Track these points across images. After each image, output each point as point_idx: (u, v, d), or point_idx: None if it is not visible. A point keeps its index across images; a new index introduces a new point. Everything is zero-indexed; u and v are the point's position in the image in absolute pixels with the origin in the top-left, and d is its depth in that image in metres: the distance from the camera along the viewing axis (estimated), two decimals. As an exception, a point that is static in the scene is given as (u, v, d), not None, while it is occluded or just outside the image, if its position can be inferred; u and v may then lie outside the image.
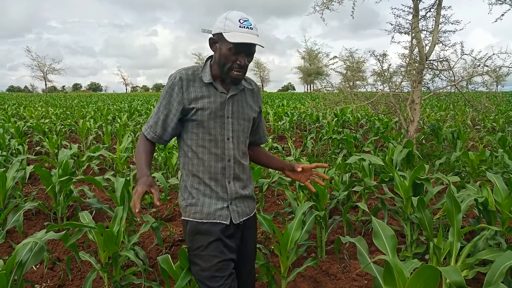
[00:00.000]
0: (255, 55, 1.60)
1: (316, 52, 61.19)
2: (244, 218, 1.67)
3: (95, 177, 3.23)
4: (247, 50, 1.50)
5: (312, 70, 62.85)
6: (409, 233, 2.91)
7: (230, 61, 1.50)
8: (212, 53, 1.60)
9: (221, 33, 1.46)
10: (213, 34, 1.54)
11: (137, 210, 1.44)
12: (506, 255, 1.68)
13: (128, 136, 6.97)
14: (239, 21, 1.45)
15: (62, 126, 9.85)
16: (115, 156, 5.23)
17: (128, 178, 2.88)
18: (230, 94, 1.59)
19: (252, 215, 1.74)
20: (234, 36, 1.43)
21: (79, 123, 9.08)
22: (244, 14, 1.49)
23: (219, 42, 1.51)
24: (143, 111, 15.71)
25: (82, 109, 17.15)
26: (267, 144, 5.80)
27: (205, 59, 1.68)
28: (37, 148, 7.26)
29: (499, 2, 5.50)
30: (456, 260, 2.21)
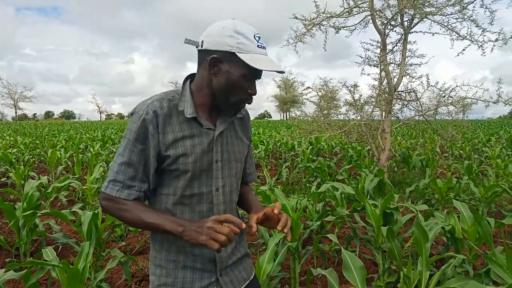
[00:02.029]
0: None
1: (291, 81, 62.72)
2: (244, 286, 1.31)
3: (62, 210, 3.12)
4: (260, 76, 1.18)
5: (288, 99, 64.01)
6: (381, 262, 2.93)
7: (242, 90, 1.14)
8: (188, 72, 1.23)
9: (233, 52, 1.09)
10: (212, 51, 1.12)
11: (243, 226, 1.11)
12: (471, 284, 1.72)
13: (100, 166, 6.82)
14: (255, 37, 1.12)
15: (31, 156, 9.54)
16: (85, 187, 5.08)
17: (96, 211, 2.80)
18: (218, 130, 1.21)
19: (252, 277, 1.36)
20: (257, 61, 1.09)
21: (49, 152, 8.83)
22: (252, 27, 1.15)
23: (227, 64, 1.12)
24: (116, 139, 15.46)
25: (53, 137, 16.70)
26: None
27: (183, 81, 1.26)
28: (3, 179, 6.98)
29: (460, 38, 5.85)
30: (426, 289, 2.23)
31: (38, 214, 3.19)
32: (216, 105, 1.21)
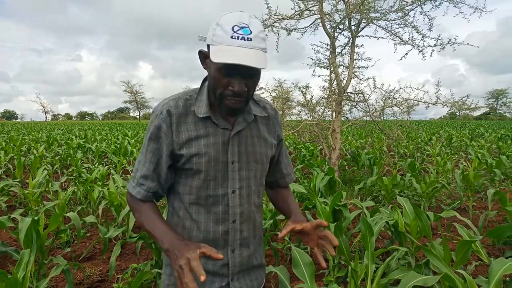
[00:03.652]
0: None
1: (246, 81, 62.85)
2: None
3: (1, 217, 2.92)
4: (243, 71, 1.04)
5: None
6: (331, 257, 3.03)
7: (221, 86, 1.07)
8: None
9: (209, 45, 1.05)
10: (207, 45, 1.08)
11: (202, 279, 0.91)
12: (410, 274, 1.83)
13: (45, 169, 6.44)
14: (233, 28, 1.01)
15: (-35, 159, 8.81)
16: (27, 191, 4.78)
17: (37, 217, 2.64)
18: (235, 130, 1.17)
19: None
20: (219, 53, 1.01)
21: (-14, 155, 8.20)
22: (245, 17, 1.04)
23: (209, 58, 1.05)
24: (63, 141, 14.68)
25: (-8, 139, 15.53)
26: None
27: (202, 80, 1.22)
28: None
29: (402, 43, 6.19)
30: (372, 281, 2.34)
31: (-28, 221, 2.95)
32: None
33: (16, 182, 5.30)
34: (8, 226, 2.95)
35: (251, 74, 1.06)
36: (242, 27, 1.01)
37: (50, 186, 5.40)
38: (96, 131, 24.73)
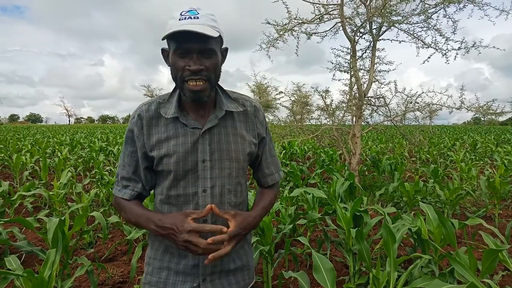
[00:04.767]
0: None
1: (265, 85, 63.00)
2: None
3: (27, 218, 3.00)
4: (197, 46, 1.07)
5: (261, 103, 64.18)
6: (351, 264, 2.99)
7: (180, 68, 1.09)
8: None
9: (165, 38, 1.11)
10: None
11: (219, 228, 1.04)
12: (435, 283, 1.78)
13: (68, 171, 6.61)
14: (181, 13, 1.07)
15: (-6, 161, 9.13)
16: (51, 193, 4.91)
17: (63, 217, 2.71)
18: (205, 127, 1.17)
19: None
20: (169, 31, 1.06)
21: (14, 157, 8.47)
22: (194, 6, 1.11)
23: (169, 50, 1.14)
24: (86, 144, 15.03)
25: (18, 142, 16.04)
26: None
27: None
28: (-37, 185, 6.62)
29: (425, 46, 6.08)
30: (394, 290, 2.30)
31: (1, 222, 3.05)
32: (199, 103, 1.18)
33: (41, 184, 5.45)
34: (35, 227, 3.03)
35: (205, 51, 1.08)
36: (189, 11, 1.07)
37: (73, 188, 5.53)
38: (117, 134, 25.21)
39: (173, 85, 1.22)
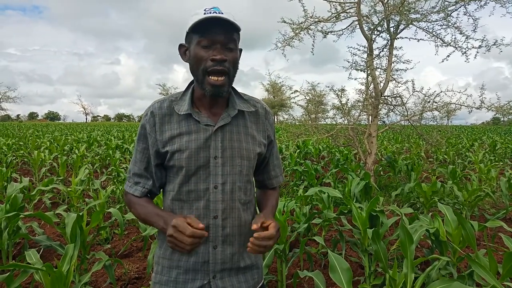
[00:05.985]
0: None
1: (279, 85, 62.84)
2: None
3: (46, 213, 3.06)
4: (222, 37, 1.12)
5: (275, 102, 64.12)
6: (367, 264, 2.95)
7: (203, 60, 1.12)
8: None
9: (188, 33, 1.16)
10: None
11: (201, 226, 1.03)
12: (455, 285, 1.74)
13: (86, 168, 6.72)
14: (205, 9, 1.12)
15: (14, 158, 9.35)
16: (69, 189, 5.00)
17: (81, 213, 2.76)
18: (218, 124, 1.18)
19: None
20: (195, 21, 1.11)
21: (33, 154, 8.66)
22: (216, 5, 1.16)
23: (189, 45, 1.18)
24: (103, 141, 15.26)
25: (37, 139, 16.40)
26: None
27: (188, 83, 1.28)
28: (-16, 181, 6.80)
29: (444, 44, 5.97)
30: (411, 291, 2.26)
31: (21, 216, 3.12)
32: (213, 99, 1.21)
33: (59, 180, 5.56)
34: (54, 222, 3.09)
35: (229, 43, 1.13)
36: (212, 7, 1.12)
37: (91, 185, 5.62)
38: (133, 132, 25.52)
39: (187, 84, 1.25)
